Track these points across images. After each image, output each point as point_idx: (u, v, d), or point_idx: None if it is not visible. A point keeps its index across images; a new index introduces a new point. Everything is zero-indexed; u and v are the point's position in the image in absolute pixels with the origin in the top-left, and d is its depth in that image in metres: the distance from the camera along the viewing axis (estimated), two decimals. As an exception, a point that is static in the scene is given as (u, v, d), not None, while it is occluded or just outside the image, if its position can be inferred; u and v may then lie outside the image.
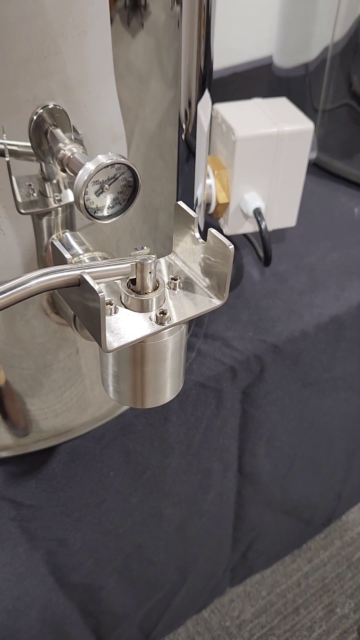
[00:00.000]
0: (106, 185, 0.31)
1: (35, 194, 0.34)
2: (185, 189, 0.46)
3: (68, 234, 0.37)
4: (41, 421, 0.47)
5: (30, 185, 0.34)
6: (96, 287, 0.28)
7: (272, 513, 0.81)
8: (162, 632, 0.85)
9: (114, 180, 0.32)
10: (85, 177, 0.30)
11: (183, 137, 0.42)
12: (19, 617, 0.57)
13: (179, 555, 0.72)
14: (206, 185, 0.56)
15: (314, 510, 0.90)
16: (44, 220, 0.36)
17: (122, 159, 0.31)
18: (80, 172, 0.30)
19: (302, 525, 0.92)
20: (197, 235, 0.33)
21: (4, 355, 0.42)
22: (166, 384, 0.35)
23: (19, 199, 0.34)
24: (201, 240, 0.33)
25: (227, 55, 0.94)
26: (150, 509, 0.61)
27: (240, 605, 0.94)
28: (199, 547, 0.74)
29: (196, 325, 0.58)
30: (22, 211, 0.35)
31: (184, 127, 0.42)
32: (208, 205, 0.58)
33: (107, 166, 0.30)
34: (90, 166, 0.30)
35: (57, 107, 0.32)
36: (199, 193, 0.50)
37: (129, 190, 0.33)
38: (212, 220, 0.61)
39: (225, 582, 0.90)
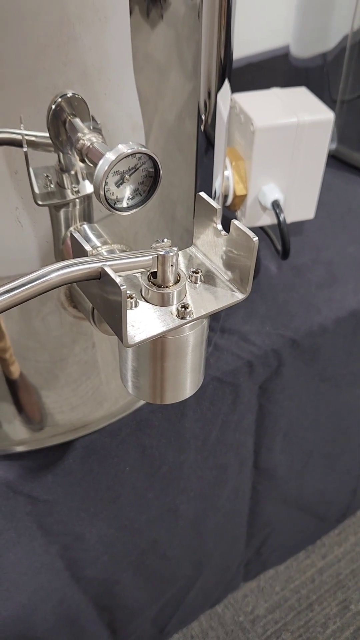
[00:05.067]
0: (126, 176, 0.31)
1: (52, 186, 0.34)
2: (203, 181, 0.45)
3: (86, 226, 0.36)
4: (57, 415, 0.47)
5: (47, 176, 0.33)
6: (118, 280, 0.27)
7: (287, 509, 0.80)
8: (175, 627, 0.85)
9: (135, 171, 0.31)
10: (106, 168, 0.29)
11: (202, 128, 0.41)
12: (34, 610, 0.57)
13: (193, 550, 0.72)
14: (224, 176, 0.55)
15: (328, 506, 0.90)
16: (62, 212, 0.35)
17: (143, 149, 0.30)
18: (101, 162, 0.30)
19: (317, 521, 0.91)
20: (220, 227, 0.33)
21: (19, 348, 0.41)
22: (186, 380, 0.35)
23: (37, 191, 0.33)
24: (223, 232, 0.33)
25: (242, 45, 0.92)
26: (165, 504, 0.61)
27: (254, 600, 0.93)
28: (213, 543, 0.74)
29: (213, 319, 0.58)
30: (40, 203, 0.34)
31: (203, 118, 0.41)
32: (225, 197, 0.57)
33: (128, 156, 0.30)
34: (110, 156, 0.29)
35: (76, 95, 0.31)
36: (217, 185, 0.49)
37: (150, 181, 0.32)
38: (229, 212, 0.60)
39: (239, 578, 0.90)
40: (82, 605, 0.63)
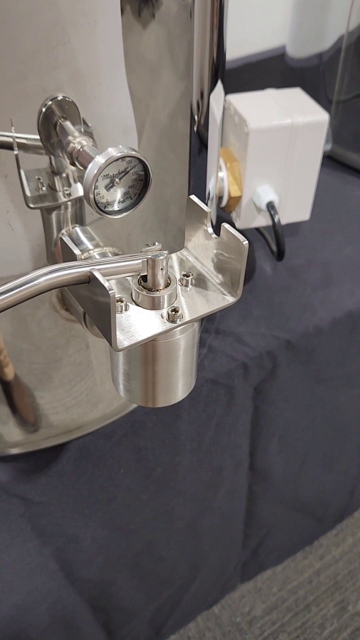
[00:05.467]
0: (117, 179, 0.31)
1: (44, 188, 0.34)
2: (197, 182, 0.45)
3: (78, 229, 0.36)
4: (51, 416, 0.47)
5: (39, 179, 0.33)
6: (106, 284, 0.27)
7: (283, 510, 0.80)
8: (172, 628, 0.85)
9: (125, 174, 0.31)
10: (95, 171, 0.29)
11: (195, 129, 0.41)
12: (29, 612, 0.57)
13: (189, 551, 0.72)
14: (218, 178, 0.55)
15: (326, 507, 0.89)
16: (53, 215, 0.35)
17: (133, 152, 0.30)
18: (90, 165, 0.29)
19: (314, 522, 0.91)
20: (210, 230, 0.33)
21: (13, 350, 0.41)
22: (178, 383, 0.35)
23: (28, 193, 0.33)
24: (214, 235, 0.33)
25: (238, 45, 0.92)
26: (161, 506, 0.60)
27: (251, 601, 0.93)
28: (209, 544, 0.74)
29: (207, 321, 0.58)
30: (31, 205, 0.34)
31: (196, 118, 0.41)
32: (220, 198, 0.57)
33: (118, 159, 0.30)
34: (100, 159, 0.29)
35: (67, 99, 0.31)
36: (211, 186, 0.49)
37: (140, 185, 0.32)
38: (224, 213, 0.60)
39: (236, 578, 0.90)
40: (77, 607, 0.63)
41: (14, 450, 0.49)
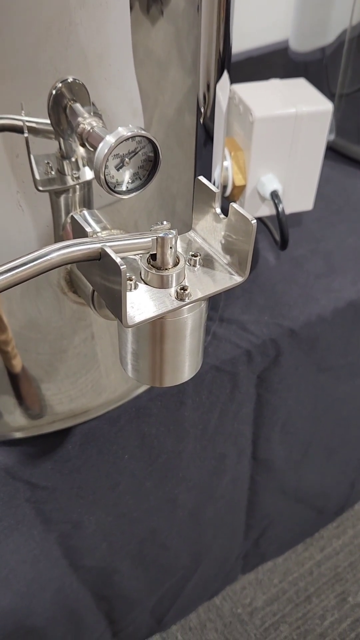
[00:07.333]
0: (126, 159, 0.31)
1: (53, 172, 0.34)
2: (202, 172, 0.45)
3: (86, 212, 0.37)
4: (56, 406, 0.47)
5: (48, 163, 0.34)
6: (118, 260, 0.27)
7: (285, 500, 0.80)
8: (174, 618, 0.85)
9: (134, 155, 0.31)
10: (106, 150, 0.30)
11: (201, 121, 0.42)
12: (32, 599, 0.58)
13: (192, 541, 0.72)
14: (223, 167, 0.56)
15: (327, 498, 0.90)
16: (62, 198, 0.36)
17: (142, 132, 0.30)
18: (101, 145, 0.30)
19: (315, 514, 0.91)
20: (219, 211, 0.33)
21: (20, 339, 0.42)
22: (185, 363, 0.35)
23: (37, 177, 0.34)
24: (222, 216, 0.33)
25: (241, 39, 0.93)
26: (164, 493, 0.61)
27: (252, 592, 0.94)
28: (212, 534, 0.74)
29: (212, 309, 0.58)
30: (40, 188, 0.34)
31: (202, 110, 0.41)
32: (224, 187, 0.57)
33: (128, 138, 0.30)
34: (110, 139, 0.30)
35: (77, 81, 0.31)
36: (216, 175, 0.49)
37: (149, 165, 0.32)
38: (228, 203, 0.60)
39: (238, 569, 0.90)
40: (80, 595, 0.64)
41: (19, 434, 0.49)
